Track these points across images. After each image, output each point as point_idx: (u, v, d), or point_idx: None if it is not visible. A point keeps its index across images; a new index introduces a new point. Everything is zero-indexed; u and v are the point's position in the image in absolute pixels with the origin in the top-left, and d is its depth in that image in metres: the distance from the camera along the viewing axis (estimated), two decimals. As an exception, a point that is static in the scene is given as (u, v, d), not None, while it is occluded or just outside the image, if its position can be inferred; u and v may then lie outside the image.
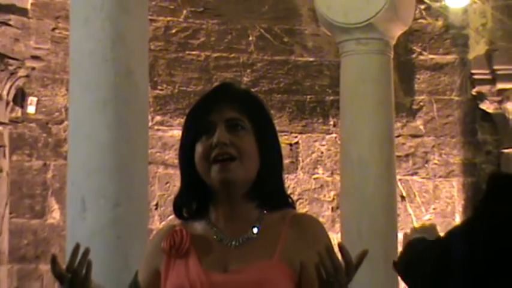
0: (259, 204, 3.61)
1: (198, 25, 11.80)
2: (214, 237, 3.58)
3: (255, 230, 3.57)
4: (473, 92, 11.79)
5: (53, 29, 10.91)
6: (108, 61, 6.96)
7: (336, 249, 3.34)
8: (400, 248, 9.82)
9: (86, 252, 3.35)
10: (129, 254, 6.34)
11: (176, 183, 3.20)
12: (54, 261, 3.35)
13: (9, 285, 10.72)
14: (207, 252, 3.56)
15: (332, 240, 3.64)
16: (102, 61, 6.98)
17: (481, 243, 3.62)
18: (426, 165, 11.88)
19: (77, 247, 3.33)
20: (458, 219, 11.70)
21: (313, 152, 11.77)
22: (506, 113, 11.52)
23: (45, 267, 10.86)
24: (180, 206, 3.67)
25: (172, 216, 3.74)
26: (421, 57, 11.99)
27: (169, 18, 11.62)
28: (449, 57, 12.00)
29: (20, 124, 10.91)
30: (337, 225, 10.03)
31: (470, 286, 3.74)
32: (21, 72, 10.86)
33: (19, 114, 10.92)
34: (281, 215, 3.62)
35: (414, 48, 11.85)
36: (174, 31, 11.70)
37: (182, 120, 3.76)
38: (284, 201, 3.66)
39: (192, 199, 3.65)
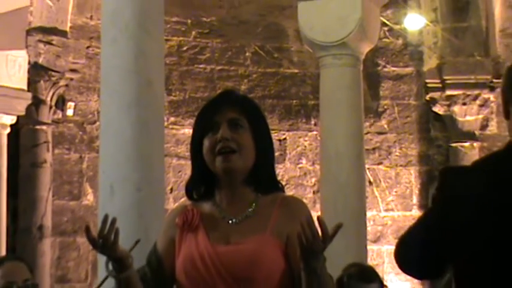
0: (255, 188, 3.61)
1: (204, 44, 11.76)
2: (219, 215, 3.59)
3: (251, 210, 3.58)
4: (427, 97, 11.75)
5: (87, 47, 10.88)
6: (132, 73, 6.94)
7: (316, 224, 3.35)
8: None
9: (113, 221, 3.35)
10: (149, 228, 6.35)
11: (187, 172, 3.19)
12: (88, 230, 3.36)
13: (52, 255, 10.67)
14: (213, 228, 3.56)
15: (313, 217, 3.70)
16: (126, 73, 6.96)
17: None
18: (389, 156, 11.85)
19: (105, 218, 3.34)
20: (415, 200, 11.71)
21: (298, 146, 11.76)
22: (453, 114, 11.51)
23: (81, 240, 10.83)
24: (190, 189, 3.68)
25: (184, 198, 3.71)
26: (385, 69, 11.95)
27: (181, 38, 11.58)
28: (408, 70, 11.96)
29: (61, 124, 10.87)
30: (318, 206, 10.02)
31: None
32: (62, 82, 10.83)
33: (60, 116, 10.88)
34: (272, 197, 3.62)
35: (379, 62, 11.80)
36: (185, 48, 11.66)
37: (192, 121, 3.77)
38: (275, 186, 3.67)
39: (201, 184, 3.66)
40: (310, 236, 3.27)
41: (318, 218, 3.32)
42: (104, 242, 3.37)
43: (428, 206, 3.73)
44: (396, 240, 11.79)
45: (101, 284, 3.85)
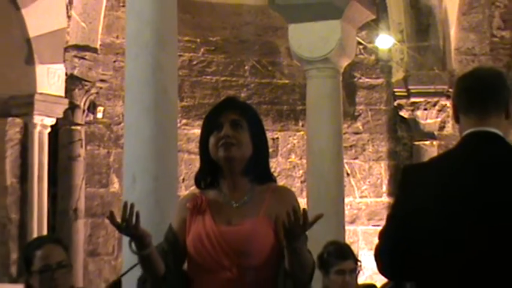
0: (252, 179, 3.61)
1: (210, 59, 11.72)
2: (222, 201, 3.59)
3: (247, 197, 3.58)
4: (395, 103, 11.71)
5: (114, 61, 10.86)
6: (150, 83, 6.93)
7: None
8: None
9: (132, 206, 3.35)
10: (165, 212, 6.35)
11: (196, 165, 3.19)
12: (111, 215, 3.37)
13: (85, 233, 10.66)
14: (217, 211, 3.57)
15: (300, 203, 3.65)
16: (146, 83, 6.94)
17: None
18: (363, 152, 11.80)
19: (125, 204, 3.36)
20: (384, 189, 11.73)
21: (288, 144, 11.72)
22: (416, 118, 11.48)
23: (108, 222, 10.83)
24: (199, 179, 3.68)
25: (194, 187, 3.71)
26: (360, 80, 11.89)
27: (191, 54, 11.55)
28: (379, 81, 11.91)
29: (92, 125, 10.83)
30: (304, 193, 10.00)
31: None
32: (93, 90, 10.81)
33: (91, 118, 10.85)
34: (266, 186, 3.62)
35: (355, 74, 11.75)
36: (194, 63, 11.63)
37: (200, 122, 3.77)
38: (269, 177, 3.68)
39: (207, 175, 3.66)
40: (293, 222, 3.27)
41: (303, 209, 3.33)
42: (127, 225, 3.36)
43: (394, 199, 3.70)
44: (369, 222, 11.72)
45: (129, 271, 3.86)
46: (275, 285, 3.48)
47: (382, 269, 3.44)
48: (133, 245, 3.46)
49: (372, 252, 3.47)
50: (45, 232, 9.90)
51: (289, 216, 3.28)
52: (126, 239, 3.51)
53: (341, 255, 5.63)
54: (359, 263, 5.79)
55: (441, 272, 3.31)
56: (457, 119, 3.47)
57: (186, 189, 10.09)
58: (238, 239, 3.50)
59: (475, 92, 3.42)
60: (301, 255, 3.38)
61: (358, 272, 5.77)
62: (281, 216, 3.42)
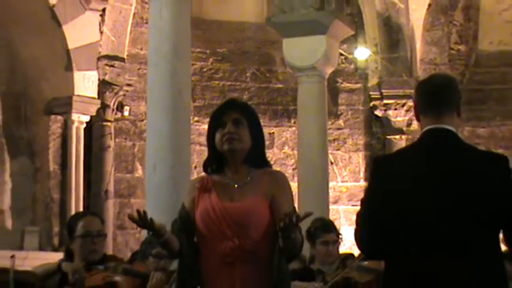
0: (250, 165, 3.61)
1: (218, 67, 11.69)
2: (226, 182, 3.59)
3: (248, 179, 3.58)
4: (370, 104, 11.70)
5: (138, 69, 10.84)
6: (168, 87, 6.93)
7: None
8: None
9: (145, 213, 3.39)
10: (180, 194, 6.24)
11: (205, 155, 3.21)
12: (131, 217, 3.42)
13: (114, 210, 10.64)
14: (222, 190, 3.56)
15: (291, 186, 3.70)
16: (164, 87, 6.94)
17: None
18: (344, 145, 11.80)
19: (138, 212, 3.39)
20: (362, 175, 11.71)
21: (282, 138, 11.70)
22: (388, 116, 11.46)
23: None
24: (207, 166, 3.68)
25: (203, 173, 3.73)
26: (342, 85, 11.89)
27: (202, 63, 11.52)
28: (357, 85, 11.89)
29: (120, 121, 10.81)
30: (295, 178, 9.97)
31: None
32: (121, 93, 10.80)
33: (119, 116, 10.83)
34: (263, 170, 3.62)
35: (338, 80, 11.75)
36: (205, 70, 11.62)
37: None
38: (265, 163, 3.67)
39: (214, 163, 3.66)
40: (287, 224, 3.26)
41: (294, 213, 3.33)
42: (144, 224, 3.40)
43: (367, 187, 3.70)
44: (349, 202, 11.64)
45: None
46: (271, 254, 3.46)
47: (360, 246, 3.47)
48: (153, 237, 3.53)
49: (352, 228, 3.46)
50: (81, 210, 9.90)
51: (285, 220, 3.26)
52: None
53: (325, 229, 5.63)
54: (340, 236, 5.79)
55: (406, 245, 3.29)
56: (417, 118, 3.50)
57: (197, 175, 10.01)
58: (240, 213, 3.50)
59: (431, 96, 3.44)
60: (294, 239, 3.38)
61: (339, 243, 5.77)
62: (277, 196, 3.50)
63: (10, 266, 3.90)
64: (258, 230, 3.50)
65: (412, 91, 11.14)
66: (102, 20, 10.63)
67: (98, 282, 4.24)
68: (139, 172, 10.80)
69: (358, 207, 3.50)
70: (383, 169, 3.48)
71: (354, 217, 3.53)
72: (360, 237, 3.40)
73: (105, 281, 4.23)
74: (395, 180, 3.38)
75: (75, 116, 10.40)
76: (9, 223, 10.20)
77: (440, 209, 3.27)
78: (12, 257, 3.96)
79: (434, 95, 3.43)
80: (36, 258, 7.73)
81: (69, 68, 10.34)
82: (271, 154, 11.12)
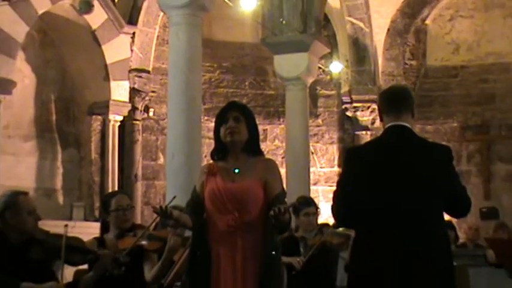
0: (248, 154, 3.58)
1: (223, 77, 11.65)
2: (228, 167, 3.57)
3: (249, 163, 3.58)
4: (343, 107, 11.64)
5: (160, 79, 10.81)
6: (183, 93, 6.94)
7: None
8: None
9: (166, 207, 3.45)
10: (193, 177, 6.28)
11: (213, 146, 3.20)
12: (155, 209, 3.43)
13: (141, 191, 10.66)
14: (225, 174, 3.55)
15: (280, 171, 3.68)
16: (181, 93, 6.95)
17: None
18: (322, 139, 11.75)
19: (159, 208, 3.41)
20: (336, 162, 11.66)
21: (273, 133, 11.66)
22: (357, 116, 11.47)
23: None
24: (213, 155, 3.67)
25: (211, 161, 3.72)
26: (320, 92, 11.84)
27: (210, 75, 11.50)
28: (332, 92, 11.85)
29: (146, 120, 10.79)
30: (284, 165, 9.94)
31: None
32: (147, 98, 10.77)
33: (145, 116, 10.81)
34: (258, 158, 3.60)
35: (317, 87, 11.69)
36: (212, 80, 11.59)
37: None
38: (260, 153, 3.64)
39: (219, 152, 3.64)
40: (277, 214, 3.25)
41: (281, 206, 3.30)
42: (165, 215, 3.44)
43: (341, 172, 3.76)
44: (326, 184, 11.61)
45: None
46: (265, 226, 3.43)
47: (336, 219, 3.53)
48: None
49: (328, 204, 3.54)
50: (116, 190, 9.92)
51: (275, 212, 3.25)
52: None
53: (307, 204, 5.63)
54: (318, 210, 5.80)
55: (371, 216, 3.32)
56: (381, 118, 3.55)
57: (207, 162, 9.99)
58: (239, 192, 3.49)
59: (392, 101, 3.50)
60: (282, 220, 3.33)
61: (318, 215, 5.77)
62: (269, 179, 3.50)
63: (64, 232, 3.91)
64: (253, 206, 3.48)
65: (375, 97, 11.21)
66: (132, 41, 10.62)
67: (128, 245, 4.25)
68: (161, 160, 10.76)
69: (334, 188, 3.54)
70: (354, 157, 3.52)
71: (330, 195, 3.60)
72: (335, 210, 3.42)
73: (134, 244, 4.23)
74: (363, 165, 3.41)
75: (111, 116, 10.36)
76: (61, 199, 10.24)
77: (398, 187, 3.30)
78: (66, 225, 3.96)
79: (394, 100, 3.49)
80: (82, 227, 7.75)
81: (106, 78, 10.31)
82: (264, 146, 11.09)
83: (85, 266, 4.32)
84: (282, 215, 3.26)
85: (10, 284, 3.66)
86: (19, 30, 9.19)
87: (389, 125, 3.46)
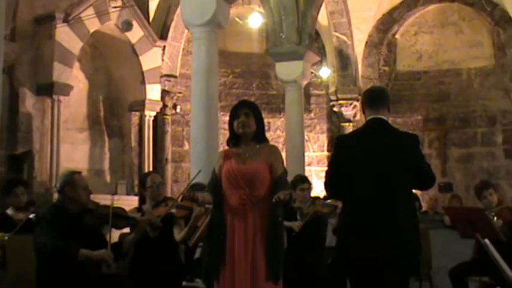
0: (256, 142, 3.55)
1: (235, 81, 11.62)
2: (241, 152, 3.53)
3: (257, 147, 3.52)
4: (331, 104, 11.56)
5: (185, 82, 10.75)
6: (204, 93, 6.86)
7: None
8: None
9: (194, 193, 3.45)
10: (212, 160, 6.22)
11: (227, 136, 3.15)
12: (184, 197, 3.43)
13: (171, 171, 10.66)
14: (238, 158, 3.51)
15: (282, 155, 3.64)
16: (201, 93, 6.88)
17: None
18: (314, 129, 11.68)
19: (187, 194, 3.45)
20: (325, 147, 11.57)
21: (275, 125, 11.59)
22: (342, 111, 11.43)
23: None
24: (228, 142, 3.63)
25: (226, 147, 3.70)
26: (313, 92, 11.74)
27: (225, 79, 11.47)
28: (322, 92, 11.74)
29: (174, 115, 10.82)
30: (284, 151, 9.89)
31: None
32: (175, 97, 10.76)
33: (174, 112, 10.82)
34: (264, 145, 3.56)
35: (310, 89, 11.59)
36: (227, 83, 11.55)
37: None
38: (266, 140, 3.60)
39: (233, 140, 3.60)
40: (279, 200, 3.23)
41: (283, 198, 3.27)
42: (191, 199, 3.45)
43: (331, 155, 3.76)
44: (317, 165, 11.50)
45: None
46: (270, 200, 3.36)
47: (327, 192, 3.52)
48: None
49: (319, 181, 3.53)
50: (150, 170, 9.92)
51: (277, 198, 3.23)
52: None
53: (302, 180, 5.59)
54: (311, 186, 5.77)
55: (354, 191, 3.30)
56: (363, 111, 3.52)
57: (223, 149, 9.97)
58: (249, 172, 3.45)
59: (372, 98, 3.48)
60: (283, 200, 3.31)
61: (311, 190, 5.74)
62: (273, 162, 3.44)
63: (111, 203, 3.91)
64: (261, 183, 3.44)
65: (357, 95, 11.20)
66: (163, 52, 10.59)
67: (161, 213, 4.24)
68: (186, 147, 10.69)
69: (324, 168, 3.61)
70: (342, 143, 3.51)
71: (321, 174, 3.61)
72: (327, 185, 3.42)
73: (166, 212, 4.23)
74: (348, 150, 3.39)
75: (147, 112, 10.33)
76: (108, 178, 10.25)
77: (376, 166, 3.28)
78: (112, 198, 3.97)
79: (374, 98, 3.47)
80: (125, 199, 7.72)
81: (143, 82, 10.27)
82: (268, 135, 10.82)
83: (127, 230, 4.33)
84: (282, 201, 3.25)
85: (70, 249, 3.66)
86: (75, 45, 9.29)
87: (370, 117, 3.44)
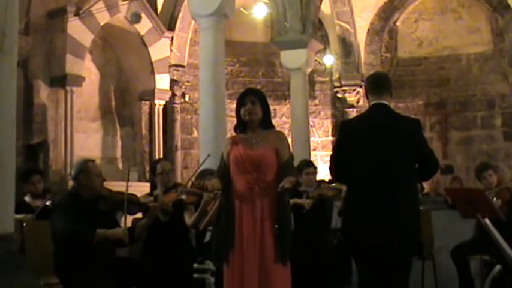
0: (262, 128, 3.53)
1: (242, 69, 11.60)
2: (248, 138, 3.52)
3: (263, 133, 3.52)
4: (334, 90, 11.50)
5: (193, 72, 10.74)
6: (211, 82, 6.81)
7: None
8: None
9: (203, 182, 3.48)
10: (220, 146, 6.18)
11: (235, 123, 3.14)
12: (195, 186, 3.43)
13: (181, 158, 10.72)
14: (245, 143, 3.49)
15: (288, 140, 3.63)
16: (209, 82, 6.82)
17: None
18: (319, 115, 11.63)
19: (198, 183, 3.44)
20: (330, 133, 11.53)
21: (281, 111, 11.58)
22: (345, 97, 11.39)
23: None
24: (236, 129, 3.61)
25: (234, 134, 3.69)
26: (317, 79, 11.70)
27: (232, 67, 11.43)
28: (326, 79, 11.69)
29: (183, 104, 10.84)
30: (290, 137, 9.89)
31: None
32: (183, 86, 10.77)
33: (183, 100, 10.82)
34: (270, 131, 3.54)
35: (314, 76, 11.54)
36: (233, 71, 11.51)
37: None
38: (272, 127, 3.58)
39: (240, 127, 3.58)
40: (284, 188, 3.24)
41: (288, 186, 3.28)
42: (201, 188, 3.51)
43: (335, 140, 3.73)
44: (322, 149, 11.48)
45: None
46: (277, 183, 3.36)
47: (332, 176, 3.50)
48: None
49: (324, 165, 3.52)
50: (161, 157, 9.94)
51: (282, 187, 3.23)
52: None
53: (308, 165, 5.61)
54: (316, 170, 5.76)
55: (358, 175, 3.29)
56: (367, 97, 3.48)
57: (231, 135, 9.95)
58: (256, 157, 3.44)
59: (375, 84, 3.44)
60: (289, 187, 3.32)
61: (316, 174, 5.73)
62: (280, 147, 3.42)
63: (125, 190, 3.90)
64: (267, 168, 3.44)
65: (359, 82, 11.13)
66: (171, 43, 10.55)
67: (171, 199, 4.25)
68: (195, 134, 10.72)
69: (329, 153, 3.59)
70: (345, 128, 3.48)
71: (326, 159, 3.59)
72: (332, 169, 3.40)
73: (176, 198, 4.24)
74: (353, 134, 3.37)
75: (156, 101, 10.33)
76: (120, 165, 10.28)
77: (380, 150, 3.24)
78: (127, 185, 3.95)
79: (377, 83, 3.44)
80: (137, 186, 7.75)
81: (152, 72, 10.25)
82: (274, 121, 10.79)
83: (140, 215, 4.34)
84: (286, 190, 3.25)
85: (87, 232, 3.68)
86: (86, 37, 9.28)
87: (373, 102, 3.41)
